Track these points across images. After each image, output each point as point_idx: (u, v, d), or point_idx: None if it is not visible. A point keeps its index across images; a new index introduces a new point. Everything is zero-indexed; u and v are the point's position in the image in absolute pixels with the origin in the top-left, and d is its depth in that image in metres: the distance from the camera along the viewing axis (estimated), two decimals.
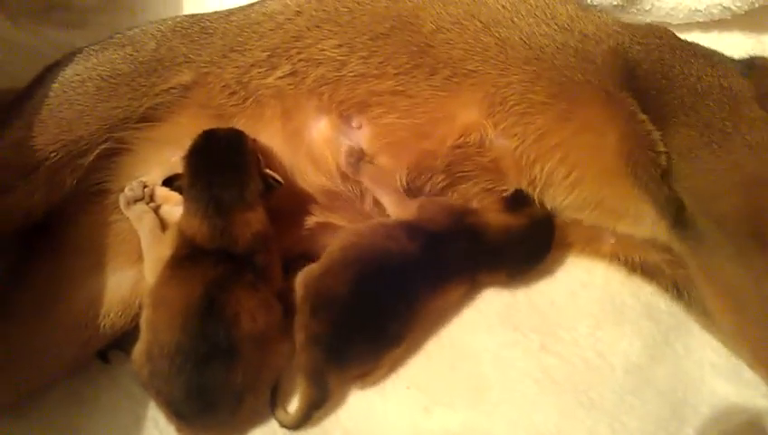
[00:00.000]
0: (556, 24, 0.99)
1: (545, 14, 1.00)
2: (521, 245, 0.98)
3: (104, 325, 0.94)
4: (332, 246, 0.94)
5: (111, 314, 0.95)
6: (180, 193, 0.92)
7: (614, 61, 0.97)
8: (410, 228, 0.94)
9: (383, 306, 0.90)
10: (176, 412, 0.84)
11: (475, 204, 1.01)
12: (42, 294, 0.94)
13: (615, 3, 1.19)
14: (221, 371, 0.82)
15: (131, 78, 0.96)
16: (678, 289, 1.02)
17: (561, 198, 0.99)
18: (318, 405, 0.89)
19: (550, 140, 0.95)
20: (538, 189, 0.99)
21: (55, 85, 0.95)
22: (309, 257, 0.99)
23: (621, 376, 0.97)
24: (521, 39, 0.97)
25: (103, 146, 0.95)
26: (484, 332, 1.01)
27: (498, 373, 0.97)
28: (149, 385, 0.84)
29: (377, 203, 0.99)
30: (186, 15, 1.07)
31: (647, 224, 0.96)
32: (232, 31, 1.01)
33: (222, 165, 0.90)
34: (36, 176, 0.90)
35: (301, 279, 0.92)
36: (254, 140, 0.95)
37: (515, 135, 0.96)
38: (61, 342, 0.92)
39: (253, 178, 0.91)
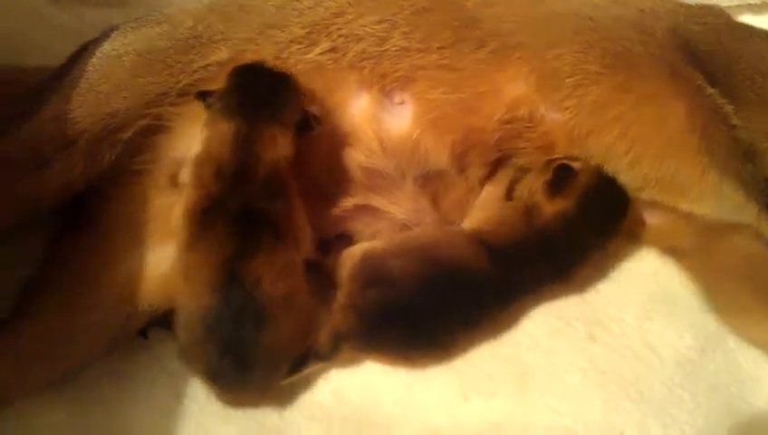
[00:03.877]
0: None
1: None
2: (588, 219, 0.93)
3: (144, 303, 0.93)
4: (409, 236, 0.93)
5: (151, 291, 0.93)
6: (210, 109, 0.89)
7: (674, 38, 0.94)
8: (492, 246, 0.91)
9: (441, 316, 0.87)
10: (213, 377, 0.82)
11: (525, 186, 0.97)
12: (81, 271, 0.92)
13: None
14: (250, 333, 0.78)
15: (168, 54, 0.95)
16: None
17: (620, 176, 0.95)
18: (318, 358, 0.85)
19: (607, 112, 0.92)
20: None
21: (93, 60, 0.94)
22: (346, 239, 0.97)
23: (671, 368, 0.94)
24: (570, 10, 0.95)
25: (141, 122, 0.93)
26: (527, 319, 0.97)
27: (542, 362, 0.94)
28: (187, 354, 0.83)
29: (417, 182, 0.96)
30: None
31: (728, 205, 0.91)
32: (269, 9, 0.99)
33: (266, 82, 0.89)
34: (75, 149, 0.89)
35: (360, 252, 0.90)
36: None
37: (568, 108, 0.93)
38: (100, 319, 0.91)
39: (295, 99, 0.89)
